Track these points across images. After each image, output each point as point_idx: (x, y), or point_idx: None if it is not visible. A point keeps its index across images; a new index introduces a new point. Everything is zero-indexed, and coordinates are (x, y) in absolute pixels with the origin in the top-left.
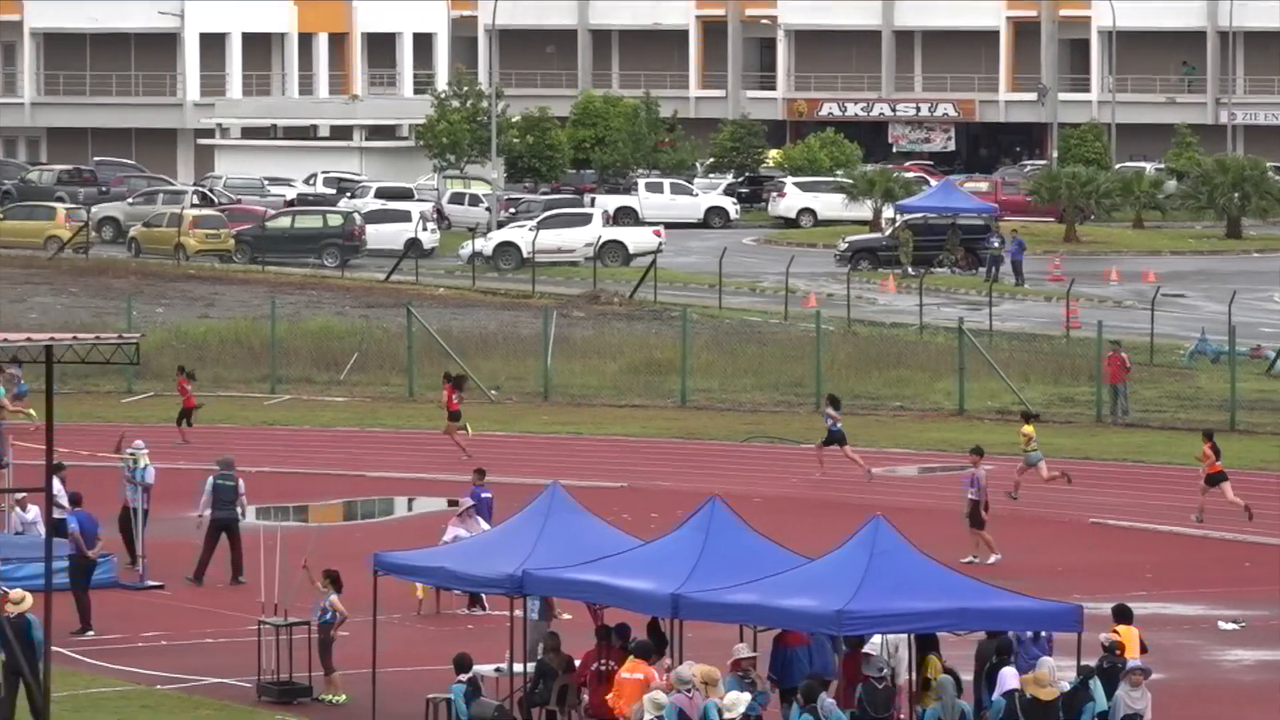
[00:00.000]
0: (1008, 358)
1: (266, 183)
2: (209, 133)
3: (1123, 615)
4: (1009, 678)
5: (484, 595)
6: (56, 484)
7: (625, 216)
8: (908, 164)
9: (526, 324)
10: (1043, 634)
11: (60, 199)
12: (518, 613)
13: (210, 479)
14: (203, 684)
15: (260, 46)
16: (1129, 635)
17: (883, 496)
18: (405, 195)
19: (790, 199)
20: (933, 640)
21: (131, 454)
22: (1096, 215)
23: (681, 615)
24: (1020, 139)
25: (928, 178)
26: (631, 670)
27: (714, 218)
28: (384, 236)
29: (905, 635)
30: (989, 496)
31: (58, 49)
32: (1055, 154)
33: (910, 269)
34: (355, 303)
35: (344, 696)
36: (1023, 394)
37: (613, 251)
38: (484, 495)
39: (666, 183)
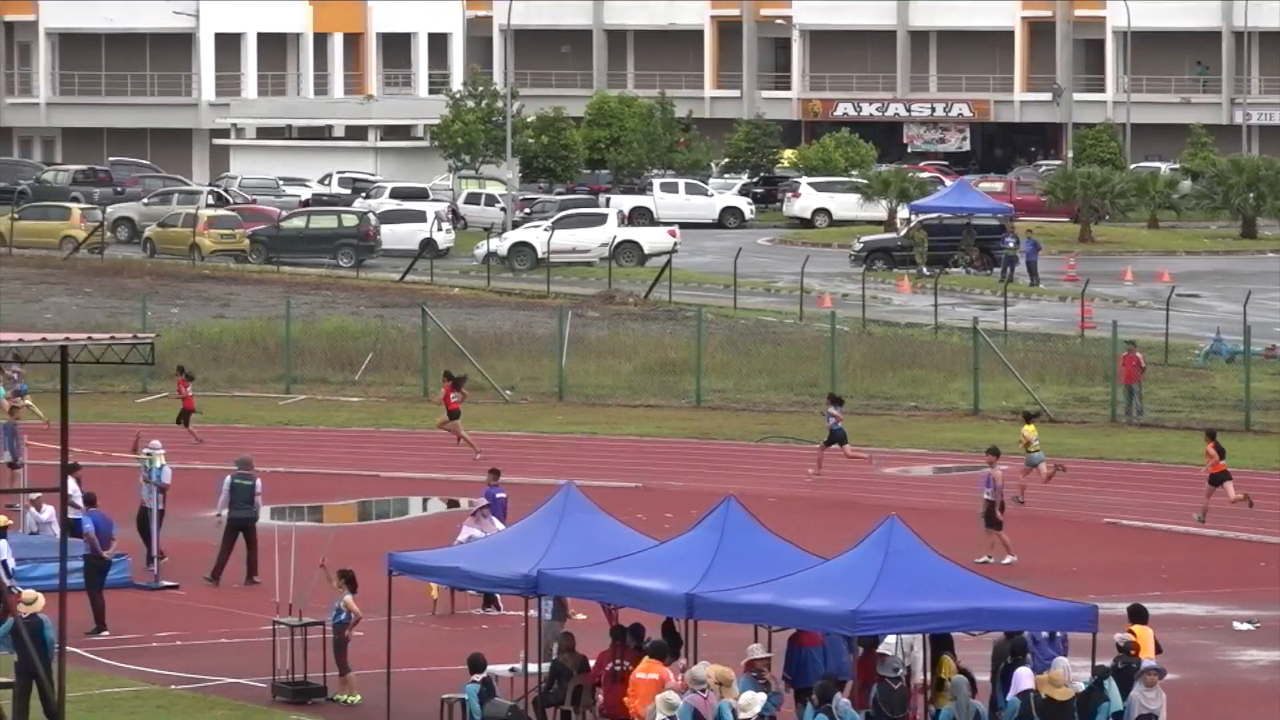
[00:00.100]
0: (1023, 358)
1: (281, 183)
2: (224, 133)
3: (1138, 615)
4: (1024, 678)
5: (498, 595)
6: (72, 484)
7: (640, 217)
8: (922, 164)
9: (541, 324)
10: (1058, 634)
11: (75, 199)
12: (532, 613)
13: (228, 478)
14: (217, 684)
15: (275, 46)
16: (1144, 635)
17: (897, 496)
18: (420, 195)
19: (805, 199)
20: (947, 640)
21: (148, 454)
22: (1111, 215)
23: (696, 615)
24: (1035, 139)
25: (942, 178)
26: (647, 670)
27: (729, 218)
28: (399, 236)
29: (920, 635)
30: (1004, 497)
31: (73, 49)
32: (1070, 154)
33: (925, 269)
34: (370, 303)
35: (358, 697)
36: (1038, 394)
37: (628, 251)
38: (498, 495)
39: (681, 183)
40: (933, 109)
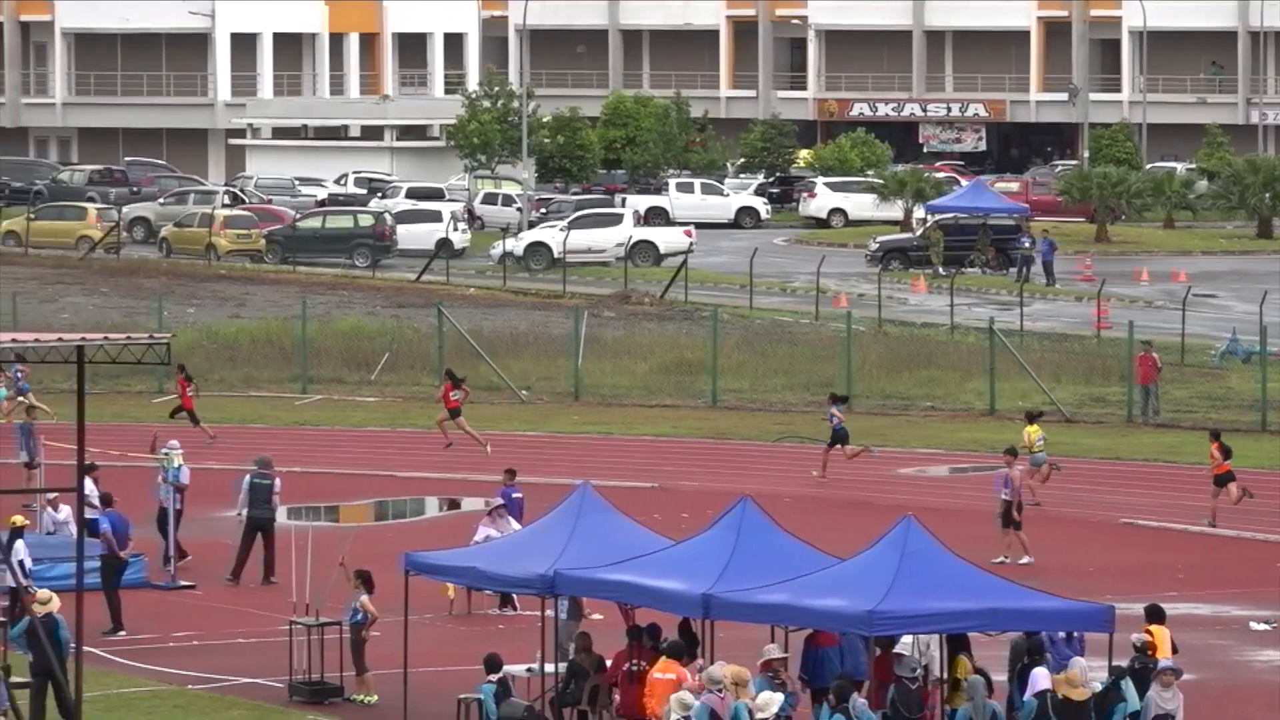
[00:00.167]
0: (1039, 358)
1: (297, 183)
2: (240, 133)
3: (1155, 615)
4: (1040, 678)
5: (515, 595)
6: (89, 484)
7: (656, 217)
8: (938, 164)
9: (557, 324)
10: (1074, 634)
11: (91, 199)
12: (549, 613)
13: (247, 477)
14: (234, 684)
15: (291, 46)
16: (1161, 635)
17: (913, 497)
18: (436, 195)
19: (821, 199)
20: (963, 640)
21: (165, 454)
22: (1127, 215)
23: (712, 615)
24: (1051, 139)
25: (958, 178)
26: (664, 670)
27: (745, 218)
28: (415, 236)
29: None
30: (1021, 497)
31: (89, 49)
32: (1086, 154)
33: (941, 269)
34: (386, 303)
35: (374, 697)
36: (1053, 394)
37: (643, 252)
38: (515, 495)
39: (697, 183)
40: (948, 109)
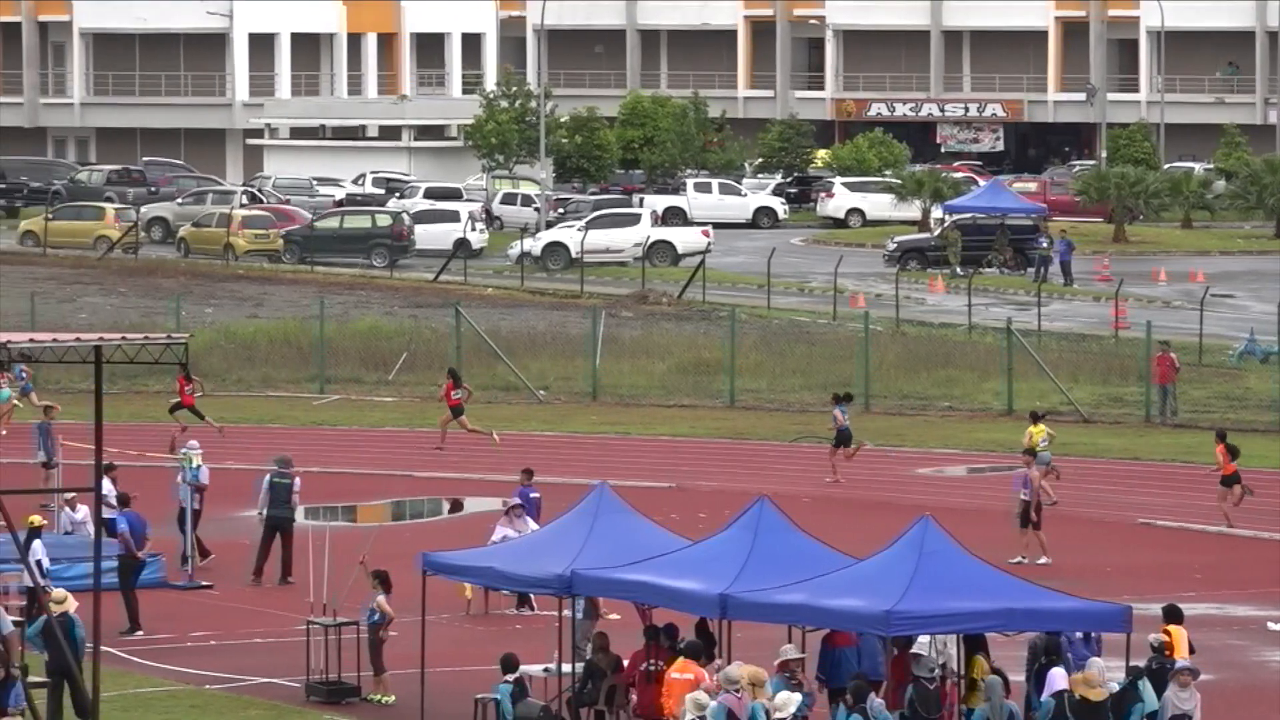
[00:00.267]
0: (1056, 358)
1: (315, 183)
2: (258, 133)
3: (1173, 615)
4: (1058, 678)
5: (532, 595)
6: (106, 483)
7: (674, 217)
8: (956, 164)
9: (575, 324)
10: (1091, 634)
11: (109, 199)
12: (566, 613)
13: (267, 477)
14: (251, 684)
15: (309, 47)
16: (1178, 636)
17: (930, 497)
18: (454, 195)
19: (838, 199)
20: (980, 641)
21: (185, 454)
22: (1145, 215)
23: (729, 615)
24: (1069, 139)
25: (976, 178)
26: (682, 670)
27: (762, 218)
28: (432, 236)
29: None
30: (1040, 497)
31: (107, 49)
32: (1104, 154)
33: (959, 269)
34: (404, 303)
35: (392, 697)
36: (1071, 394)
37: (661, 252)
38: (532, 495)
39: (715, 183)
40: (966, 109)
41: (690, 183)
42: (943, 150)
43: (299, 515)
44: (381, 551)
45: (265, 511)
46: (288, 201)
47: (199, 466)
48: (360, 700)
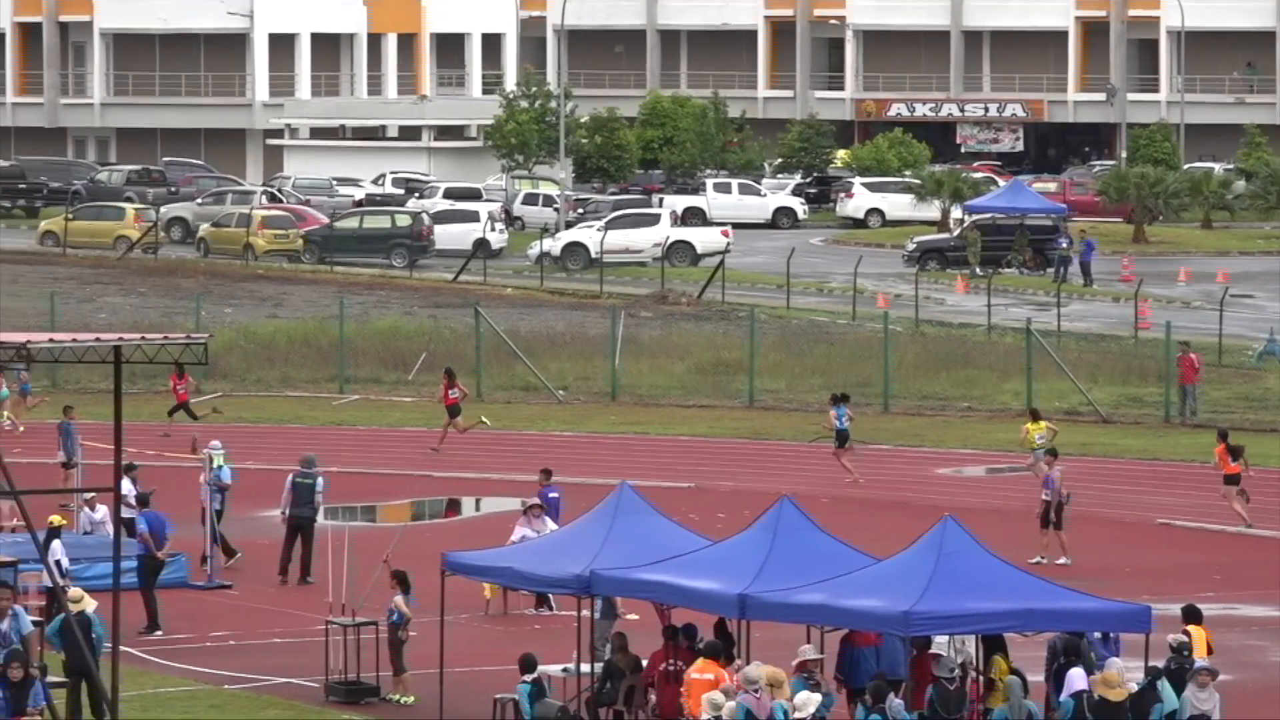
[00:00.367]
0: (1076, 358)
1: (335, 183)
2: (278, 133)
3: (1192, 616)
4: (1077, 679)
5: (551, 595)
6: (126, 483)
7: (693, 217)
8: (976, 164)
9: (594, 324)
10: (1110, 635)
11: (129, 199)
12: (585, 613)
13: (290, 477)
14: (271, 684)
15: (329, 47)
16: (1198, 636)
17: (950, 497)
18: (473, 195)
19: (858, 199)
20: (1000, 641)
21: (208, 454)
22: (1165, 216)
23: (749, 616)
24: (1089, 139)
25: (996, 178)
26: (702, 671)
27: (782, 218)
28: (452, 237)
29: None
30: (1062, 498)
31: (127, 50)
32: (1124, 154)
33: (978, 269)
34: (423, 303)
35: (412, 698)
36: (1091, 395)
37: (681, 252)
38: (552, 495)
39: (734, 183)
40: (986, 109)
41: (710, 183)
42: (963, 150)
43: (319, 515)
44: (401, 551)
45: (288, 511)
46: (307, 202)
47: (221, 466)
48: (380, 700)
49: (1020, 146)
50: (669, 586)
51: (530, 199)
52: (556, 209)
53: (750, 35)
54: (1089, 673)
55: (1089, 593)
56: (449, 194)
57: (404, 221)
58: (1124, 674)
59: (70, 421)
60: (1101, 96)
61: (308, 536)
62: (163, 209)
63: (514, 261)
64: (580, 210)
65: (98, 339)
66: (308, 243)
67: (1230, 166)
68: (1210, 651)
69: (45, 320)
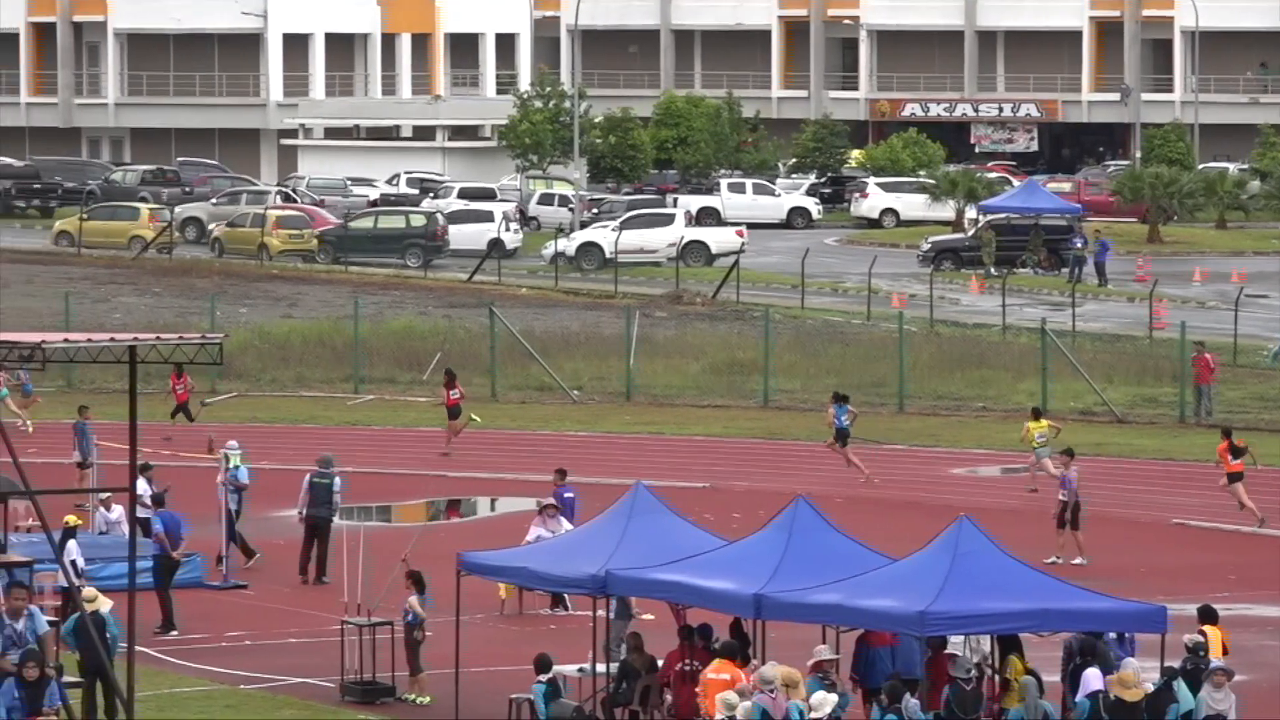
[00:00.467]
0: (1091, 358)
1: (349, 183)
2: (292, 133)
3: (1208, 616)
4: (1093, 679)
5: (567, 595)
6: (142, 483)
7: (708, 217)
8: (990, 164)
9: (609, 324)
10: (1125, 635)
11: (144, 199)
12: (600, 613)
13: (308, 477)
14: (286, 684)
15: (343, 47)
16: (1214, 636)
17: (965, 497)
18: (488, 195)
19: (873, 199)
20: (1015, 641)
21: (225, 454)
22: (1180, 216)
23: (764, 616)
24: (1103, 139)
25: (1010, 178)
26: (719, 671)
27: (796, 218)
28: (466, 237)
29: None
30: (1078, 498)
31: (141, 50)
32: (1138, 154)
33: (993, 269)
34: (438, 303)
35: (428, 698)
36: (1106, 395)
37: (695, 252)
38: (567, 495)
39: (749, 183)
40: (1000, 109)
41: (724, 183)
42: (977, 150)
43: (336, 516)
44: (417, 551)
45: (305, 511)
46: (321, 202)
47: (238, 466)
48: (395, 700)
49: (1035, 146)
50: (684, 586)
51: (546, 199)
52: (571, 209)
53: (764, 35)
54: (1108, 673)
55: (1104, 593)
56: (463, 194)
57: (419, 221)
58: (1140, 674)
59: (85, 421)
60: (1116, 96)
61: (324, 537)
62: (177, 209)
63: (528, 261)
64: (595, 210)
65: (112, 339)
66: (322, 243)
67: (1245, 166)
68: (1226, 652)
69: (60, 320)
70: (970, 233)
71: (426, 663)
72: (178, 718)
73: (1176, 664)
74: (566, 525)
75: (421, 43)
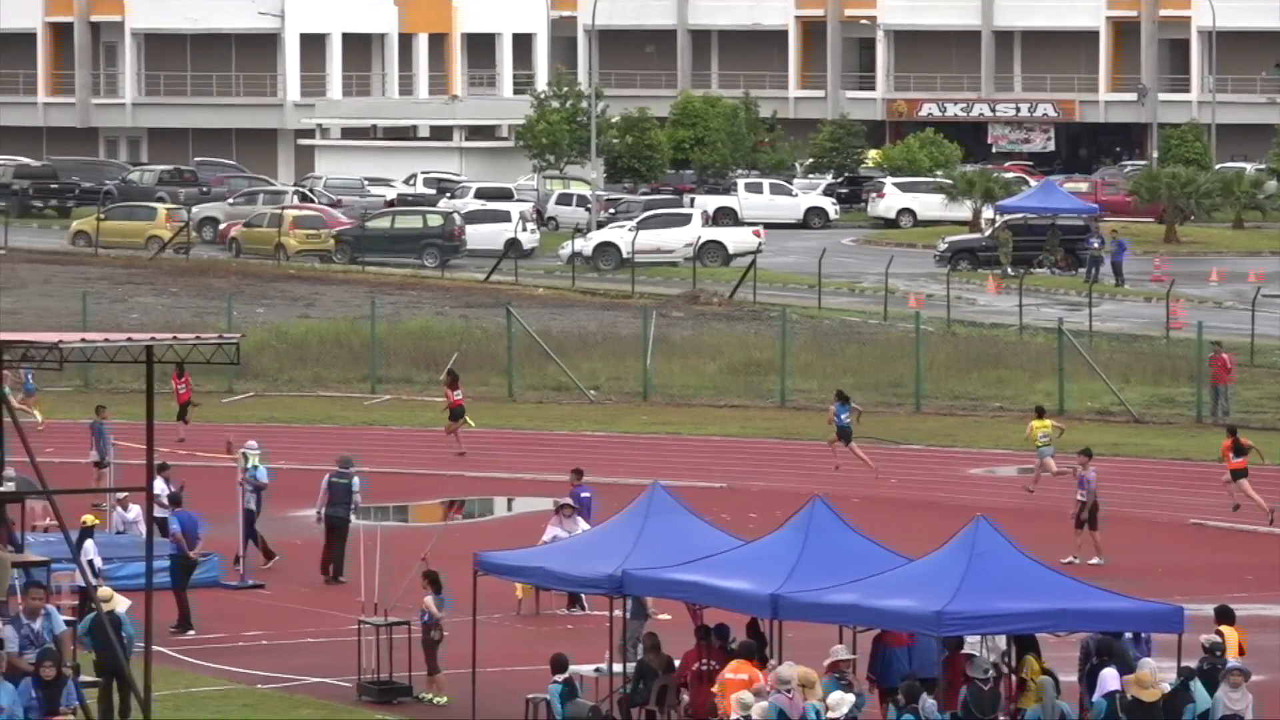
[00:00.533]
0: (1108, 358)
1: (366, 183)
2: (309, 133)
3: (1225, 616)
4: (1110, 679)
5: (583, 595)
6: (160, 483)
7: (724, 217)
8: (1007, 164)
9: (626, 324)
10: (1142, 635)
11: (161, 199)
12: (617, 613)
13: (327, 477)
14: (303, 683)
15: (360, 47)
16: (1231, 636)
17: (982, 497)
18: (505, 195)
19: (889, 199)
20: (1032, 641)
21: (244, 454)
22: (1196, 216)
23: (781, 616)
24: (1120, 139)
25: (1027, 178)
26: (737, 671)
27: (813, 218)
28: (483, 237)
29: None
30: (1097, 498)
31: (158, 50)
32: (1155, 154)
33: (1010, 269)
34: (455, 303)
35: (445, 698)
36: (1123, 395)
37: (712, 252)
38: (584, 495)
39: (766, 183)
40: (1017, 109)
41: (741, 183)
42: (994, 150)
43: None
44: (434, 551)
45: (323, 511)
46: (338, 203)
47: (257, 466)
48: (412, 700)
49: (1051, 146)
50: (701, 586)
51: (564, 199)
52: (588, 209)
53: (781, 35)
54: (1125, 673)
55: (1121, 593)
56: (480, 194)
57: (436, 221)
58: (1157, 674)
59: (103, 421)
60: (1133, 96)
61: (341, 536)
62: (194, 209)
63: (545, 261)
64: (612, 210)
65: (130, 339)
66: (339, 243)
67: (1262, 166)
68: (1243, 652)
69: (77, 320)
70: (987, 233)
71: (443, 662)
72: (194, 717)
73: (1193, 664)
74: (583, 525)
75: (438, 43)
